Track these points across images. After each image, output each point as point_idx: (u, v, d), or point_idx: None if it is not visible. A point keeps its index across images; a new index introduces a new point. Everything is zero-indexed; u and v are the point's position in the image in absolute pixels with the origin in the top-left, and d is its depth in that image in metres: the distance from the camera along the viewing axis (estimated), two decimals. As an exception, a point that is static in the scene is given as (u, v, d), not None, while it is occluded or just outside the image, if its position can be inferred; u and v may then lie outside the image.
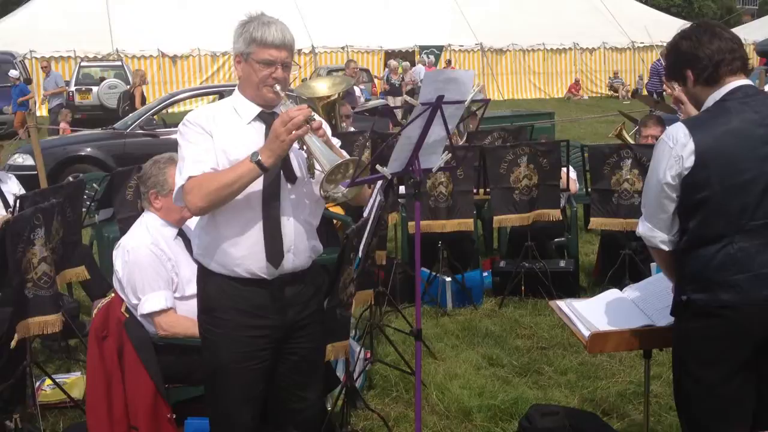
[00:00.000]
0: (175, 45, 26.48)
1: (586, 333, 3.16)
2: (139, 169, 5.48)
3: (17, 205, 4.55)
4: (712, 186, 2.71)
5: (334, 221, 6.39)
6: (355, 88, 17.44)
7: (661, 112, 8.73)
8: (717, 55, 2.82)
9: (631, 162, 5.92)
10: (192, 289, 3.76)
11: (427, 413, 4.45)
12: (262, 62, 2.89)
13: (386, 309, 5.75)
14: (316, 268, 3.14)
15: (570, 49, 31.22)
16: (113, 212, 5.67)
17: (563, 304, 3.41)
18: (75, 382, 4.75)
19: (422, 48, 29.24)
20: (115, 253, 3.85)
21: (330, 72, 17.74)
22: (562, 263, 6.50)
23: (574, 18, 30.95)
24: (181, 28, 26.39)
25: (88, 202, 5.58)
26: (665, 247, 2.86)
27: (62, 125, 15.16)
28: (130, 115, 12.25)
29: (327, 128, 2.90)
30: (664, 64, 3.07)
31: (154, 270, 3.72)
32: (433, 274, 6.27)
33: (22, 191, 5.91)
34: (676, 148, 2.75)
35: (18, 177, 6.37)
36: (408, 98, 12.32)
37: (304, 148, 2.82)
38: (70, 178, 10.23)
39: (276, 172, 2.89)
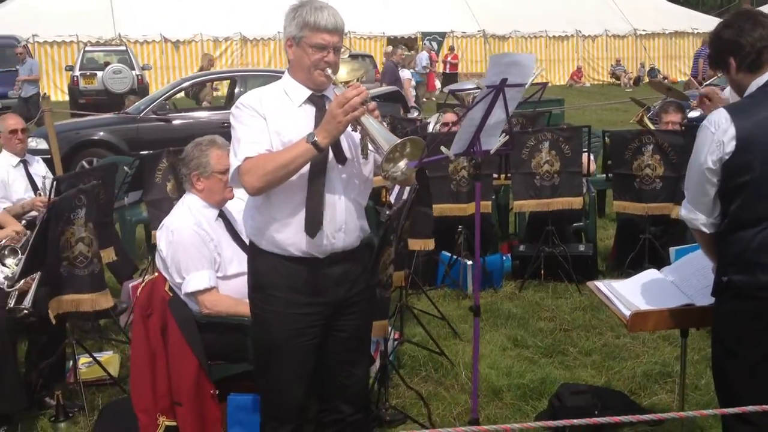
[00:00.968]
0: (177, 30, 26.47)
1: (627, 312, 3.24)
2: (168, 153, 5.58)
3: (53, 186, 4.61)
4: (753, 170, 2.79)
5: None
6: (404, 71, 17.42)
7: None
8: (759, 43, 2.89)
9: (653, 147, 6.00)
10: (234, 269, 3.86)
11: (457, 392, 4.55)
12: (315, 46, 2.95)
13: (409, 291, 5.84)
14: (364, 247, 3.22)
15: (572, 36, 31.24)
16: (141, 195, 5.74)
17: (602, 285, 3.49)
18: (109, 360, 4.84)
19: (425, 34, 29.21)
20: (158, 233, 3.92)
21: (350, 56, 17.73)
22: (582, 247, 6.59)
23: (576, 5, 30.95)
24: (183, 13, 26.37)
25: (118, 185, 5.64)
26: (706, 230, 2.94)
27: None
28: (142, 99, 12.28)
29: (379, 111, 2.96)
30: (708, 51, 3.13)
31: (197, 250, 3.79)
32: (454, 257, 6.36)
33: (49, 174, 5.97)
34: (717, 134, 2.82)
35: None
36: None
37: (358, 129, 2.88)
38: (84, 163, 10.33)
39: (325, 155, 2.95)
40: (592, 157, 6.99)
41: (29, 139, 10.21)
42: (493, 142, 3.00)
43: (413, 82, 16.79)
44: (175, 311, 3.80)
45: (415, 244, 5.24)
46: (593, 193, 7.09)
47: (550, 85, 28.82)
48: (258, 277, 3.11)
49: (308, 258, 3.02)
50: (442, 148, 2.88)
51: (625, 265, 6.16)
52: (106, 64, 20.43)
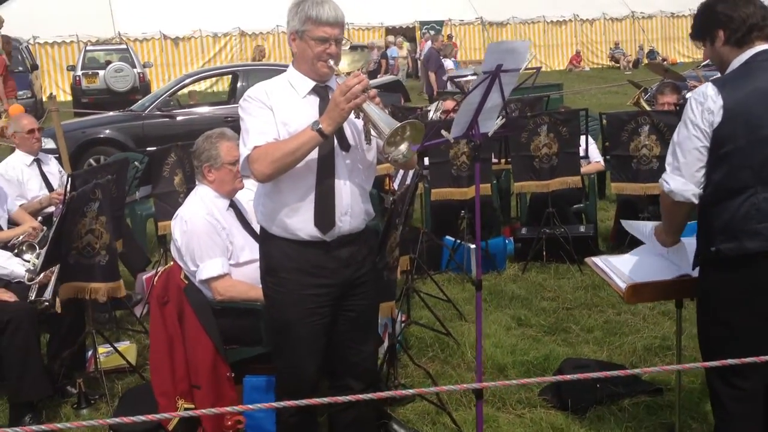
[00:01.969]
0: (176, 27, 26.59)
1: (623, 285, 3.38)
2: (176, 148, 5.74)
3: (68, 182, 4.75)
4: (737, 140, 2.92)
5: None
6: (447, 60, 17.57)
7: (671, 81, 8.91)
8: (751, 19, 3.02)
9: (649, 128, 6.13)
10: (245, 256, 4.01)
11: (464, 370, 4.70)
12: (317, 39, 3.09)
13: (414, 276, 5.98)
14: (369, 230, 3.36)
15: (570, 20, 31.30)
16: (151, 188, 5.89)
17: (599, 261, 3.64)
18: (126, 350, 4.99)
19: (423, 23, 29.31)
20: (172, 223, 4.07)
21: (351, 48, 17.86)
22: (582, 228, 6.74)
23: (574, -11, 31.01)
24: (182, 10, 26.47)
25: (129, 180, 5.80)
26: (695, 200, 3.04)
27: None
28: (147, 96, 12.41)
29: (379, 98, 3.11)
30: None
31: (210, 238, 3.93)
32: (458, 241, 6.50)
33: (62, 172, 6.13)
34: (707, 103, 2.93)
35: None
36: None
37: (361, 116, 3.02)
38: (92, 161, 10.49)
39: (331, 142, 3.09)
40: (593, 146, 7.14)
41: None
42: (491, 125, 3.14)
43: (455, 71, 16.92)
44: (191, 298, 3.95)
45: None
46: (593, 175, 7.22)
47: (549, 70, 28.80)
48: (270, 261, 3.25)
49: (317, 241, 3.16)
50: (443, 132, 3.02)
51: (625, 245, 6.28)
52: (108, 63, 20.56)
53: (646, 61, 28.21)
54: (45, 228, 5.21)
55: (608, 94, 19.85)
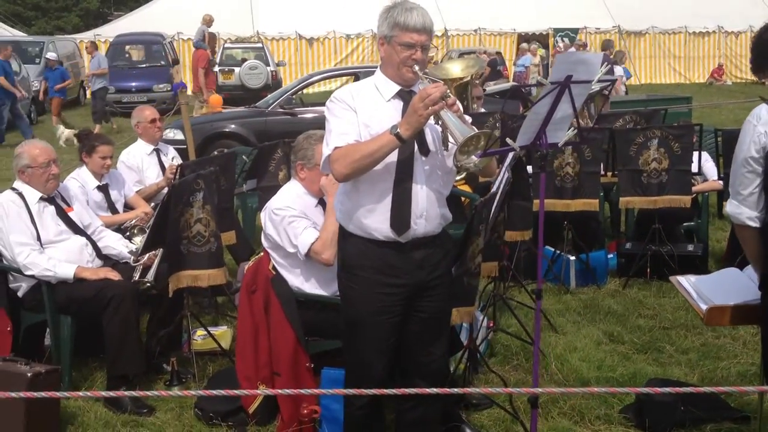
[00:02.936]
0: (312, 27, 27.33)
1: (704, 307, 3.29)
2: (283, 144, 5.95)
3: (178, 171, 5.04)
4: None
5: (462, 198, 6.64)
6: (617, 68, 17.68)
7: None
8: None
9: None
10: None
11: (546, 381, 4.66)
12: (404, 44, 3.17)
13: (510, 284, 5.96)
14: (446, 234, 3.41)
15: (714, 32, 29.98)
16: (256, 182, 6.14)
17: (683, 279, 3.55)
18: (222, 334, 5.24)
19: (557, 30, 28.81)
20: (262, 214, 4.25)
21: (461, 55, 17.90)
22: (691, 247, 6.51)
23: (718, 0, 29.70)
24: (317, 11, 27.17)
25: (237, 173, 6.07)
26: (752, 224, 2.98)
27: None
28: (272, 94, 12.87)
29: (459, 106, 3.16)
30: None
31: (297, 218, 4.06)
32: (557, 252, 6.43)
33: (178, 159, 6.47)
34: (759, 126, 2.88)
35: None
36: (539, 78, 12.48)
37: (440, 122, 3.08)
38: (216, 153, 10.98)
39: (411, 146, 3.17)
40: (710, 163, 6.89)
41: (167, 130, 11.03)
42: (561, 135, 3.13)
43: (624, 78, 17.08)
44: (277, 288, 4.13)
45: (512, 236, 5.37)
46: (706, 193, 6.95)
47: (688, 82, 27.67)
48: (345, 258, 3.37)
49: (391, 242, 3.24)
50: (508, 140, 3.04)
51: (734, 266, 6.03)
52: (244, 60, 21.42)
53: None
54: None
55: (747, 110, 18.87)
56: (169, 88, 19.50)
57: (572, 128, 3.15)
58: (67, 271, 4.46)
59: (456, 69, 7.79)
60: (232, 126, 11.39)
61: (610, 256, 6.69)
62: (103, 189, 5.61)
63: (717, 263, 6.84)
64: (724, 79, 29.21)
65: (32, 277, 4.47)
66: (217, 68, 21.30)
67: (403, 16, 3.17)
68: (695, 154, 6.37)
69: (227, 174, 5.71)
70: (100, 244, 4.83)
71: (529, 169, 6.42)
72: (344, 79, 16.96)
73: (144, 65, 21.72)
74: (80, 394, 2.33)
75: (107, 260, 4.85)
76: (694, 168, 6.40)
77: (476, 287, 4.22)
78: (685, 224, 6.93)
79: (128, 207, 5.75)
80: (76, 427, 4.17)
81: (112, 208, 5.63)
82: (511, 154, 4.54)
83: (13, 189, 4.62)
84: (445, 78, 7.54)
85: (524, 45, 25.70)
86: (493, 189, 3.94)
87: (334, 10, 27.19)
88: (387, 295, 3.27)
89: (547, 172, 3.31)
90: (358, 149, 3.12)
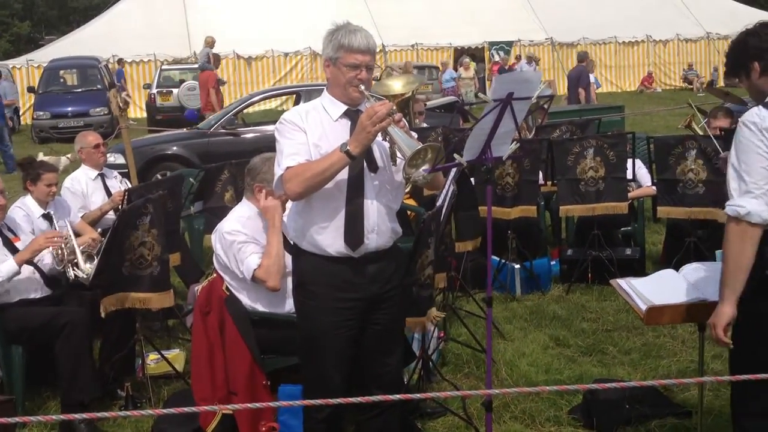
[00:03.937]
0: (250, 47, 27.31)
1: (643, 307, 3.45)
2: (230, 165, 6.00)
3: (125, 197, 5.04)
4: None
5: (408, 212, 6.75)
6: (591, 76, 18.23)
7: (731, 104, 8.82)
8: None
9: (696, 152, 6.13)
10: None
11: (497, 387, 4.78)
12: (349, 65, 3.28)
13: (457, 294, 6.10)
14: (397, 248, 3.52)
15: (642, 41, 30.93)
16: (203, 203, 6.16)
17: (623, 282, 3.71)
18: (176, 357, 5.25)
19: (492, 44, 29.39)
20: (213, 237, 4.29)
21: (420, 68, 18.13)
22: (629, 251, 6.75)
23: (646, 10, 30.65)
24: (255, 30, 27.18)
25: (184, 195, 6.08)
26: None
27: None
28: (213, 115, 12.85)
29: (405, 122, 3.28)
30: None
31: (246, 245, 4.12)
32: (503, 261, 6.59)
33: (125, 183, 6.46)
34: (764, 123, 2.93)
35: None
36: (481, 95, 12.74)
37: (387, 138, 3.20)
38: (158, 176, 10.91)
39: (360, 163, 3.27)
40: (644, 170, 7.14)
41: (108, 154, 10.91)
42: (505, 149, 3.28)
43: (596, 87, 17.71)
44: (231, 309, 4.17)
45: (464, 246, 5.52)
46: (642, 198, 7.22)
47: (619, 91, 28.42)
48: (300, 275, 3.45)
49: (345, 257, 3.33)
50: (455, 155, 3.17)
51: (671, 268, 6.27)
52: (182, 81, 21.29)
53: (721, 82, 27.65)
54: (104, 240, 5.51)
55: (678, 116, 19.52)
56: (106, 112, 19.24)
57: (514, 142, 3.29)
58: (9, 268, 4.48)
59: (397, 85, 7.90)
60: (174, 148, 11.34)
61: (553, 262, 6.88)
62: (48, 217, 5.57)
63: (654, 265, 7.08)
64: (654, 87, 30.15)
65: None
66: (154, 90, 21.15)
67: (348, 38, 3.28)
68: (629, 161, 6.61)
69: (174, 196, 5.72)
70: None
71: (472, 180, 6.59)
72: (285, 98, 17.03)
73: (80, 89, 21.43)
74: (32, 418, 2.36)
75: (57, 288, 4.82)
76: (629, 175, 6.64)
77: (429, 297, 4.33)
78: (622, 229, 7.18)
79: (74, 234, 5.70)
80: (31, 456, 4.14)
81: (58, 236, 5.58)
82: (454, 169, 4.69)
83: (-41, 221, 4.58)
84: (387, 94, 7.66)
85: (445, 61, 26.30)
86: (439, 202, 4.06)
87: (271, 29, 27.25)
88: (343, 309, 3.36)
89: (492, 183, 3.42)
90: (309, 168, 3.22)
